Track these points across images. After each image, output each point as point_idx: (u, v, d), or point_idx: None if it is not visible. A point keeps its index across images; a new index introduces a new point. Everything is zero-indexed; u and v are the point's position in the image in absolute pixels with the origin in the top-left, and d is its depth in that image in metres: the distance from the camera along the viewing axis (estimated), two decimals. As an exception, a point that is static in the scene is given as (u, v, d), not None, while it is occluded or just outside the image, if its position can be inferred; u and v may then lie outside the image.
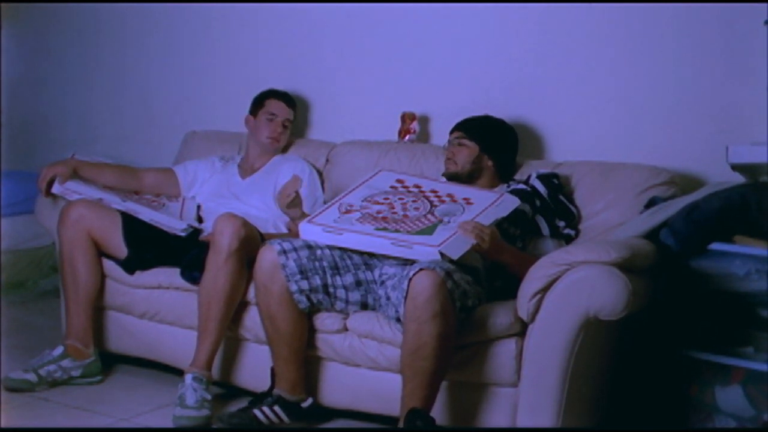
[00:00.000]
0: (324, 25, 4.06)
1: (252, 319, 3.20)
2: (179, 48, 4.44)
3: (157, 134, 4.41)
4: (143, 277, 3.46)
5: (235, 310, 3.25)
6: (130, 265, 3.46)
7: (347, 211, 3.08)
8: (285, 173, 3.66)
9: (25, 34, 4.97)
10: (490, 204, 3.01)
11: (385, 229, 2.98)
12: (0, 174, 4.40)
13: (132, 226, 3.47)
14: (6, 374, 3.30)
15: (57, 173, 3.58)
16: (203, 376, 3.17)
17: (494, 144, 3.35)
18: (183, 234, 3.52)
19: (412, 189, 3.15)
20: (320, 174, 3.80)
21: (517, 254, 3.05)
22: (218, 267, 3.18)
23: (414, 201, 3.08)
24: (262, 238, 3.33)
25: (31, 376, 3.29)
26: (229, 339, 3.34)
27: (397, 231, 2.95)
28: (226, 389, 3.39)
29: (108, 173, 3.75)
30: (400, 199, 3.11)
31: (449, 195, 3.10)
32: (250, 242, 3.23)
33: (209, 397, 3.15)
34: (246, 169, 3.80)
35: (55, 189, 3.58)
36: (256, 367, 3.24)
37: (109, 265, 3.51)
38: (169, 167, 3.89)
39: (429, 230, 2.93)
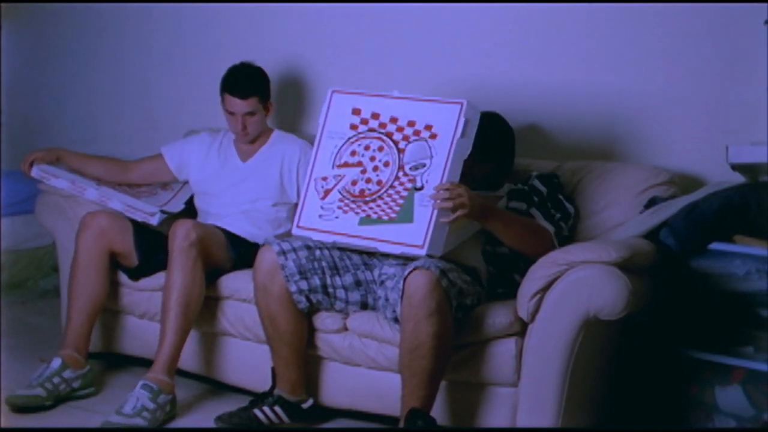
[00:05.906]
0: (323, 23, 4.05)
1: (252, 319, 3.20)
2: (179, 48, 4.44)
3: (157, 134, 4.41)
4: (146, 280, 3.46)
5: (195, 317, 3.21)
6: (136, 274, 3.46)
7: (326, 193, 3.01)
8: (287, 158, 3.58)
9: (25, 34, 4.97)
10: (454, 132, 2.89)
11: (368, 218, 2.93)
12: (0, 174, 4.40)
13: (143, 234, 3.45)
14: (11, 392, 3.17)
15: (36, 157, 3.64)
16: (156, 383, 3.09)
17: (502, 154, 3.25)
18: (155, 222, 3.51)
19: (372, 124, 3.03)
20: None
21: (507, 213, 2.98)
22: (170, 267, 3.18)
23: (380, 150, 3.00)
24: (232, 238, 3.37)
25: (40, 391, 3.17)
26: (228, 338, 3.34)
27: (380, 220, 2.91)
28: (225, 389, 3.39)
29: (94, 164, 3.74)
30: (366, 148, 3.01)
31: (410, 123, 2.98)
32: (205, 243, 3.23)
33: (152, 406, 3.04)
34: (243, 150, 3.66)
35: (34, 172, 3.63)
36: (256, 367, 3.24)
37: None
38: (159, 152, 3.78)
39: (408, 214, 2.87)
